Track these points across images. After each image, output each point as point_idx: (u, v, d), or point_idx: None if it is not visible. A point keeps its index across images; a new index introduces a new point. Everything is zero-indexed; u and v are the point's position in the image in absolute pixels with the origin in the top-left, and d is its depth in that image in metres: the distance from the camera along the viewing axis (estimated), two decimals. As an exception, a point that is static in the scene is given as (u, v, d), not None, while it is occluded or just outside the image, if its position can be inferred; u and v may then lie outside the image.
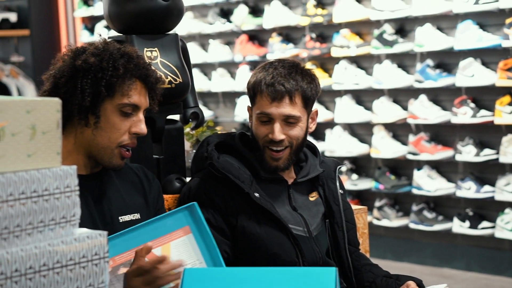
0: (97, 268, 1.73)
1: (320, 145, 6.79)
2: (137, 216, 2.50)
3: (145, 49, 2.83)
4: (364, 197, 6.73)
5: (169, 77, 2.84)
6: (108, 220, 2.44)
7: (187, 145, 3.25)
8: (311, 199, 2.78)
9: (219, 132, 3.03)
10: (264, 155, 2.70)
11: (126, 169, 2.55)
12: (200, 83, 7.64)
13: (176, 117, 3.02)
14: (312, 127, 2.78)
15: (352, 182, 6.65)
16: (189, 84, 2.91)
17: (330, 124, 6.80)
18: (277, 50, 7.03)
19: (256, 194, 2.63)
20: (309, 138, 7.00)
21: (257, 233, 2.63)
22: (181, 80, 2.87)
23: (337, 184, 2.82)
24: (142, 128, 2.42)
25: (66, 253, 1.68)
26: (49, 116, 1.71)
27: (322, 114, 6.80)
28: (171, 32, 2.94)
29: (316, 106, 7.03)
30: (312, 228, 2.72)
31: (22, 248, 1.61)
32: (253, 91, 2.70)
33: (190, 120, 3.02)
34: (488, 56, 5.89)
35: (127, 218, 2.48)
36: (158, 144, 2.90)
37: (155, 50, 2.86)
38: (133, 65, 2.40)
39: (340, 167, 2.86)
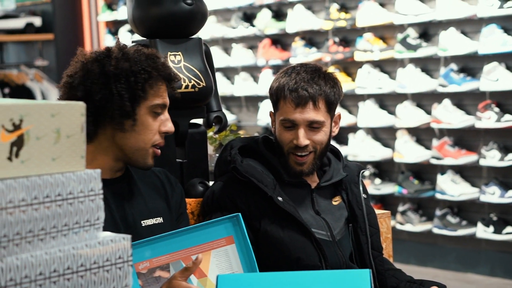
0: (121, 271, 1.73)
1: (343, 150, 6.78)
2: (159, 220, 2.51)
3: (169, 53, 2.84)
4: (387, 201, 6.71)
5: (192, 81, 2.85)
6: (131, 224, 2.44)
7: (210, 149, 3.25)
8: (334, 203, 2.78)
9: (242, 136, 3.03)
10: (288, 161, 2.69)
11: (149, 173, 2.56)
12: (223, 87, 7.65)
13: (200, 121, 3.02)
14: (335, 131, 2.77)
15: (375, 187, 6.63)
16: (212, 88, 2.91)
17: (353, 129, 6.79)
18: (300, 54, 7.03)
19: (280, 198, 2.63)
20: (332, 143, 6.98)
21: (280, 237, 2.63)
22: (204, 84, 2.88)
23: (361, 188, 2.81)
24: (170, 126, 2.46)
25: (90, 256, 1.68)
26: (73, 120, 1.71)
27: (345, 118, 6.79)
28: (194, 36, 2.95)
29: (339, 110, 6.99)
30: (335, 233, 2.71)
31: (46, 252, 1.61)
32: (276, 96, 2.69)
33: (214, 124, 3.02)
34: (513, 60, 5.86)
35: (149, 222, 2.48)
36: (181, 148, 2.91)
37: (179, 54, 2.86)
38: (160, 65, 2.43)
39: (363, 172, 2.85)
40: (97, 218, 1.73)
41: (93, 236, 1.72)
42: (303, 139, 2.65)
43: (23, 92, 8.23)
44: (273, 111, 2.75)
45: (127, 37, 7.84)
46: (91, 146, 2.40)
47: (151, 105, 2.41)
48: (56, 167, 1.67)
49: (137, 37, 2.97)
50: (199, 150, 2.93)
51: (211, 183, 2.90)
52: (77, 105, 1.73)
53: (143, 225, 2.46)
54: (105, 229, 2.20)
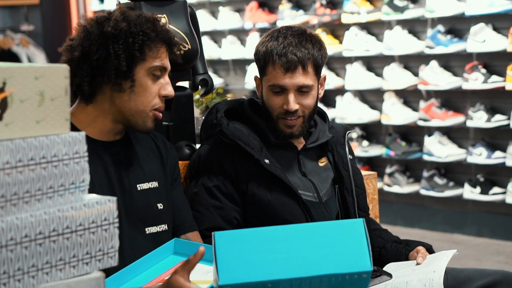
0: (107, 233, 1.73)
1: (330, 112, 6.78)
2: (155, 184, 2.51)
3: (154, 15, 2.82)
4: (374, 163, 6.73)
5: (178, 43, 2.83)
6: (127, 187, 2.45)
7: (197, 111, 3.24)
8: (320, 164, 2.79)
9: (228, 99, 3.02)
10: (278, 124, 2.69)
11: (147, 137, 2.57)
12: (210, 50, 7.63)
13: (186, 83, 3.01)
14: (321, 92, 2.77)
15: (362, 149, 6.65)
16: (198, 50, 2.91)
17: (341, 91, 6.79)
18: (287, 17, 7.00)
19: (266, 161, 2.63)
20: (320, 105, 6.97)
21: (267, 199, 2.63)
22: (190, 47, 2.87)
23: (346, 149, 2.82)
24: (170, 90, 2.46)
25: (75, 218, 1.68)
26: (57, 83, 1.71)
27: (332, 81, 6.79)
28: (179, -2, 2.93)
29: (326, 72, 6.93)
30: (322, 194, 2.72)
31: (32, 214, 1.61)
32: (264, 61, 2.68)
33: (200, 86, 3.02)
34: (500, 21, 5.85)
35: (145, 186, 2.49)
36: (167, 110, 2.90)
37: (164, 17, 2.85)
38: (160, 28, 2.44)
39: (349, 133, 2.85)
40: (82, 181, 1.73)
41: (78, 199, 1.72)
42: (293, 104, 2.64)
43: (9, 57, 8.19)
44: (259, 76, 2.74)
45: (114, 1, 7.78)
46: (90, 108, 2.42)
47: (149, 67, 2.40)
48: (41, 129, 1.67)
49: (122, 0, 2.94)
50: (185, 112, 2.93)
51: (197, 145, 2.90)
52: (60, 67, 1.72)
53: (139, 189, 2.47)
54: (101, 191, 2.23)
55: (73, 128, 2.35)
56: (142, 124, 2.44)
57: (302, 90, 2.65)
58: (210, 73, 8.13)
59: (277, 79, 2.65)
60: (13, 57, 8.23)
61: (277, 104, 2.67)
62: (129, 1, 2.88)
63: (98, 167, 2.39)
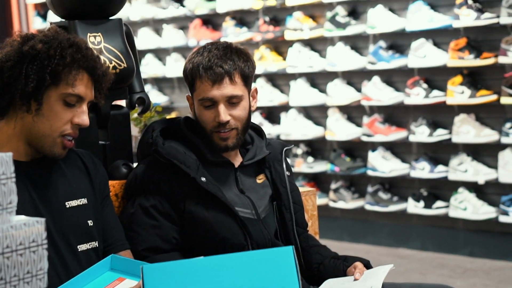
0: (35, 255, 1.71)
1: (275, 129, 6.80)
2: (84, 201, 2.49)
3: (89, 34, 2.81)
4: (320, 179, 6.76)
5: (113, 62, 2.82)
6: (55, 205, 2.42)
7: (135, 130, 3.23)
8: (258, 181, 2.79)
9: (166, 117, 3.01)
10: (213, 138, 2.69)
11: (72, 155, 2.53)
12: (155, 68, 7.61)
13: (122, 102, 3.00)
14: (254, 105, 2.78)
15: (308, 165, 6.67)
16: (133, 69, 2.89)
17: (285, 107, 6.81)
18: (231, 34, 7.02)
19: (203, 179, 2.62)
20: (265, 122, 6.92)
21: (205, 218, 2.63)
22: (125, 65, 2.85)
23: (284, 166, 2.82)
24: (85, 119, 2.40)
25: (2, 240, 1.66)
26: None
27: (277, 97, 6.82)
28: (114, 17, 2.92)
29: (270, 89, 6.92)
30: (260, 210, 2.72)
31: (-44, 237, 1.59)
32: (192, 77, 2.69)
33: (136, 105, 3.00)
34: (440, 37, 5.93)
35: (74, 203, 2.46)
36: (103, 129, 2.88)
37: (99, 35, 2.83)
38: (81, 55, 2.38)
39: (286, 149, 2.86)
40: (9, 202, 1.70)
41: (5, 220, 1.69)
42: (225, 115, 2.65)
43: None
44: (190, 94, 2.75)
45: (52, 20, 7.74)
46: (4, 127, 2.39)
47: (62, 93, 2.36)
48: (-35, 151, 1.65)
49: (56, 18, 2.92)
50: (122, 131, 2.91)
51: (135, 164, 2.88)
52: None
53: (68, 206, 2.44)
54: (26, 212, 2.18)
55: None
56: (48, 149, 2.39)
57: (232, 102, 2.66)
58: (155, 91, 8.11)
59: (206, 92, 2.65)
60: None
61: (209, 118, 2.67)
62: (64, 20, 2.86)
63: (20, 188, 2.34)
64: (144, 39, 7.66)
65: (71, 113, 2.38)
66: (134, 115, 3.22)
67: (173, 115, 6.24)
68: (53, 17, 7.95)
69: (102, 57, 2.55)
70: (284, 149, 2.85)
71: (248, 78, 2.70)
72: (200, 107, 2.69)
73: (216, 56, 2.65)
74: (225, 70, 2.64)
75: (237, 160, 2.77)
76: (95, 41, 2.81)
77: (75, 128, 2.40)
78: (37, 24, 8.52)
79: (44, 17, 8.46)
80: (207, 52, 2.67)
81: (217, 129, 2.67)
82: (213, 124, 2.67)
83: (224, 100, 2.65)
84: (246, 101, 2.70)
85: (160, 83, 7.76)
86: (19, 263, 1.69)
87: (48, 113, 2.36)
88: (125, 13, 7.71)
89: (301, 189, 3.04)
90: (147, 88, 7.71)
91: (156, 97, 7.60)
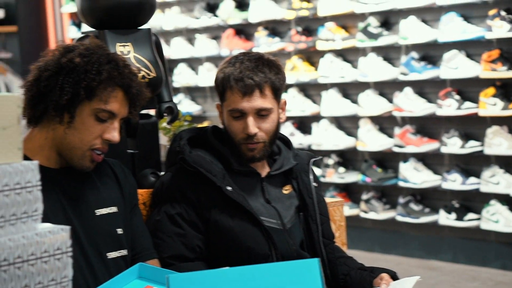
0: (60, 262, 1.73)
1: (307, 139, 6.80)
2: (114, 209, 2.51)
3: (118, 44, 2.83)
4: (351, 190, 6.74)
5: (142, 71, 2.84)
6: (85, 213, 2.44)
7: (164, 139, 3.25)
8: (284, 192, 2.79)
9: (195, 126, 3.03)
10: (240, 149, 2.70)
11: (102, 164, 2.56)
12: (188, 77, 7.65)
13: (151, 111, 3.02)
14: (283, 117, 2.78)
15: (339, 175, 6.66)
16: (162, 78, 2.91)
17: (317, 118, 6.81)
18: (264, 44, 7.03)
19: (229, 188, 2.63)
20: (296, 132, 6.94)
21: (230, 227, 2.63)
22: (154, 75, 2.87)
23: (311, 177, 2.82)
24: (115, 136, 2.41)
25: (27, 248, 1.68)
26: (10, 112, 1.71)
27: (308, 107, 6.82)
28: (144, 26, 2.94)
29: (302, 99, 6.93)
30: (285, 221, 2.72)
31: (-18, 244, 1.61)
32: (222, 87, 2.69)
33: (165, 114, 3.02)
34: (472, 48, 5.90)
35: (104, 211, 2.49)
36: (132, 138, 2.90)
37: (128, 45, 2.86)
38: (118, 73, 2.40)
39: (313, 160, 2.86)
40: (35, 210, 1.73)
41: (31, 228, 1.71)
42: (253, 127, 2.65)
43: (-14, 85, 8.18)
44: (220, 103, 2.75)
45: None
46: (37, 135, 2.43)
47: (94, 108, 2.38)
48: (-8, 159, 1.67)
49: (87, 28, 2.95)
50: (150, 140, 2.93)
51: (163, 173, 2.89)
52: (13, 97, 1.73)
53: (97, 214, 2.47)
54: (55, 220, 2.21)
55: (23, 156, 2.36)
56: (77, 161, 2.41)
57: (261, 114, 2.67)
58: (188, 100, 8.15)
59: (236, 103, 2.66)
60: (-10, 85, 8.22)
61: (238, 129, 2.68)
62: (94, 30, 2.89)
63: (51, 195, 2.38)
64: (177, 48, 7.70)
65: (102, 128, 2.40)
66: (163, 124, 3.23)
67: (205, 124, 6.27)
68: (87, 27, 8.02)
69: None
70: (312, 160, 2.85)
71: (278, 91, 2.70)
72: (229, 117, 2.69)
73: (248, 68, 2.65)
74: (255, 83, 2.64)
75: (264, 170, 2.78)
76: (124, 50, 2.84)
77: (105, 143, 2.43)
78: (72, 33, 8.60)
79: (79, 26, 8.54)
80: (239, 63, 2.68)
81: (245, 141, 2.68)
82: (242, 136, 2.68)
83: (253, 112, 2.66)
84: (275, 114, 2.71)
85: (193, 92, 7.79)
86: (43, 270, 1.71)
87: (79, 126, 2.38)
88: (158, 23, 7.76)
89: (329, 200, 3.04)
90: (180, 97, 7.74)
91: (189, 106, 7.63)
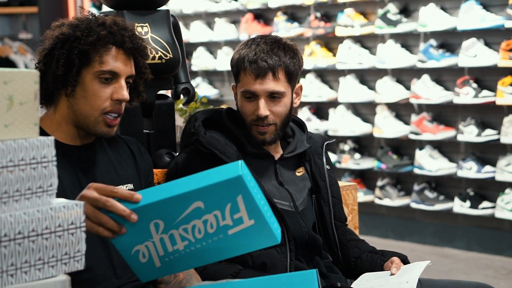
0: (73, 237, 1.76)
1: (323, 124, 6.81)
2: (130, 186, 2.53)
3: (136, 24, 2.85)
4: (366, 176, 6.75)
5: (159, 52, 2.87)
6: None
7: (180, 120, 3.28)
8: (297, 174, 2.81)
9: (208, 108, 3.05)
10: (251, 131, 2.72)
11: (119, 141, 2.58)
12: (206, 61, 7.66)
13: (168, 92, 3.05)
14: (297, 102, 2.79)
15: (354, 161, 6.67)
16: (179, 60, 2.93)
17: (334, 104, 6.82)
18: (282, 29, 7.04)
19: (242, 169, 2.65)
20: (313, 118, 6.93)
21: (242, 208, 2.65)
22: (171, 56, 2.90)
23: (324, 159, 2.84)
24: (124, 94, 2.40)
25: (41, 222, 1.70)
26: (27, 87, 1.73)
27: (326, 93, 6.82)
28: (162, 8, 2.96)
29: (320, 85, 6.89)
30: (298, 203, 2.74)
31: (-3, 216, 1.64)
32: (237, 68, 2.71)
33: (182, 95, 3.05)
34: (491, 37, 5.89)
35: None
36: (148, 119, 2.93)
37: (146, 26, 2.88)
38: (107, 32, 2.39)
39: (327, 143, 2.87)
40: (50, 185, 1.75)
41: (45, 202, 1.74)
42: (264, 109, 2.67)
43: (6, 64, 8.23)
44: (235, 84, 2.77)
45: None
46: (54, 112, 2.44)
47: (94, 72, 2.38)
48: (9, 133, 1.69)
49: (106, 9, 2.98)
50: (166, 121, 2.96)
51: (178, 154, 2.92)
52: (30, 72, 1.75)
53: None
54: (72, 195, 2.24)
55: (43, 133, 2.39)
56: (93, 128, 2.42)
57: (273, 96, 2.68)
58: (205, 84, 8.15)
59: (248, 84, 2.67)
60: (11, 65, 8.27)
61: (249, 110, 2.69)
62: (112, 10, 2.92)
63: (69, 171, 2.40)
64: (196, 32, 7.72)
65: (109, 89, 2.40)
66: (179, 105, 3.26)
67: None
68: (106, 8, 8.06)
69: (148, 47, 2.57)
70: (325, 143, 2.87)
71: (292, 75, 2.71)
72: (242, 98, 2.71)
73: (263, 51, 2.67)
74: (269, 65, 2.66)
75: (278, 153, 2.80)
76: (142, 31, 2.86)
77: (116, 103, 2.41)
78: (91, 15, 8.62)
79: (99, 7, 8.57)
80: (254, 45, 2.69)
81: (255, 122, 2.69)
82: (252, 117, 2.69)
83: (265, 95, 2.67)
84: (288, 98, 2.72)
85: (211, 76, 7.81)
86: (57, 244, 1.73)
87: (86, 93, 2.39)
88: (178, 6, 7.78)
89: (342, 183, 3.06)
90: (198, 81, 7.77)
91: (206, 90, 7.66)
